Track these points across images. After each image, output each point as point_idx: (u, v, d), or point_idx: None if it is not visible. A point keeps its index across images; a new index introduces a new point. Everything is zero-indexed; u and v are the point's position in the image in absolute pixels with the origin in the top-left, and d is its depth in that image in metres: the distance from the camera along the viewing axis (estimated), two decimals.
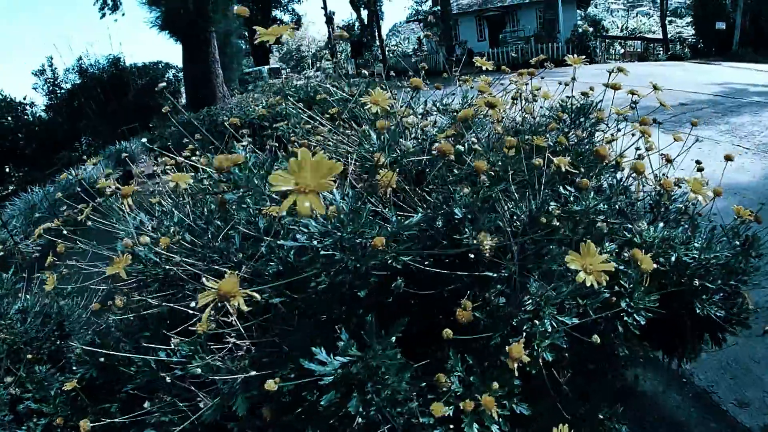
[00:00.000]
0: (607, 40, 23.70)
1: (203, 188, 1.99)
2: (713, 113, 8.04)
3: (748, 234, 2.32)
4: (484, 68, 2.45)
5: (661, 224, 2.27)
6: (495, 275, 1.65)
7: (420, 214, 1.60)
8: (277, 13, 49.36)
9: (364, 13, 46.12)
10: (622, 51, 24.64)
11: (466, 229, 1.65)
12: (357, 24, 50.48)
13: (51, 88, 13.15)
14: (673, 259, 2.12)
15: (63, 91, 13.13)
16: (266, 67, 33.04)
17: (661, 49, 23.92)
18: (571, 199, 1.98)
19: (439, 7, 31.42)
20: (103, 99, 11.68)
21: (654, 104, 8.17)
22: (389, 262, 1.44)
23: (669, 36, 25.39)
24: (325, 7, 60.70)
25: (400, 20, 56.54)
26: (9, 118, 11.76)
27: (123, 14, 15.87)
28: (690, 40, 24.14)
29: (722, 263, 2.17)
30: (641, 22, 44.69)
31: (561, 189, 2.03)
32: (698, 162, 2.80)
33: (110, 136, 9.31)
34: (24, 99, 12.82)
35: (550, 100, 3.48)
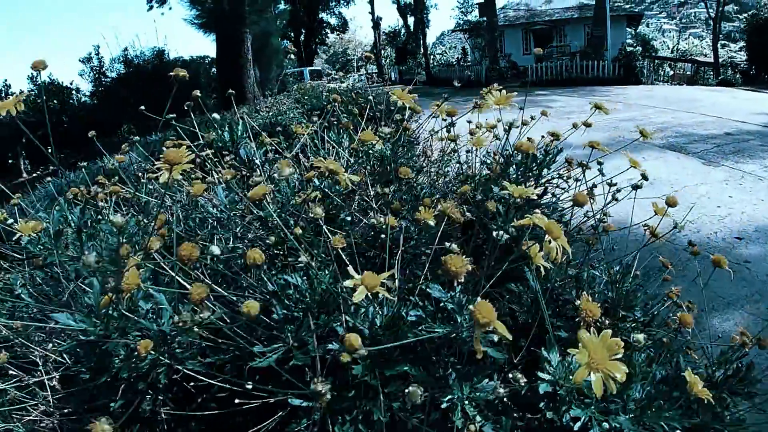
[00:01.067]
0: (656, 61, 23.46)
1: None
2: (760, 146, 8.07)
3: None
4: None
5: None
6: None
7: None
8: (323, 15, 49.99)
9: (411, 20, 46.43)
10: (672, 73, 24.35)
11: None
12: (403, 30, 50.93)
13: (96, 75, 13.85)
14: None
15: (107, 79, 13.79)
16: (308, 68, 33.67)
17: (711, 73, 23.56)
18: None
19: (485, 18, 31.57)
20: (146, 90, 12.18)
21: (698, 131, 8.17)
22: None
23: (720, 60, 24.95)
24: (372, 12, 61.24)
25: (448, 29, 56.60)
26: (55, 101, 12.38)
27: (170, 8, 16.47)
28: (742, 65, 23.71)
29: None
30: (693, 44, 43.95)
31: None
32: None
33: (149, 125, 9.75)
34: (71, 84, 13.35)
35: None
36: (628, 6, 40.71)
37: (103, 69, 14.06)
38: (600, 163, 2.60)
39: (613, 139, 8.52)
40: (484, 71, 27.38)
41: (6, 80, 12.97)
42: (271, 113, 5.68)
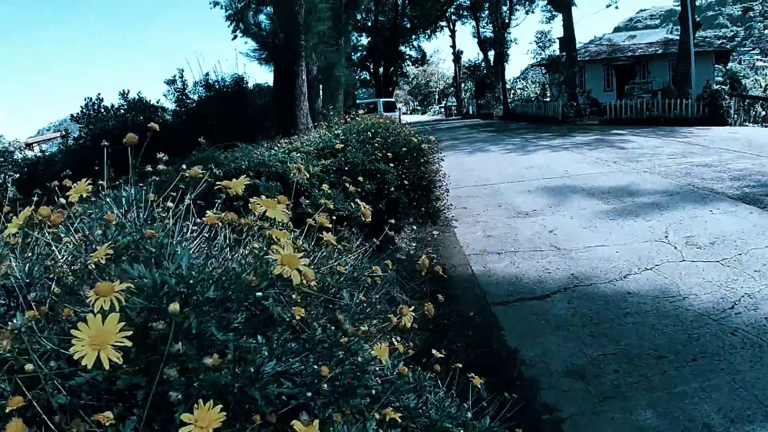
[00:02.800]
0: (746, 101, 22.19)
1: None
2: None
3: None
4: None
5: None
6: None
7: None
8: (403, 48, 50.85)
9: (491, 54, 46.40)
10: (763, 113, 22.98)
11: None
12: (483, 64, 51.04)
13: (179, 97, 14.40)
14: None
15: (189, 101, 14.38)
16: (382, 100, 34.20)
17: None
18: None
19: (564, 53, 31.12)
20: (225, 113, 12.90)
21: None
22: None
23: None
24: (453, 46, 62.00)
25: (530, 63, 56.20)
26: (141, 117, 12.85)
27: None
28: None
29: None
30: None
31: None
32: None
33: (225, 146, 10.45)
34: (157, 102, 14.46)
35: None
36: (718, 42, 39.00)
37: (186, 91, 14.73)
38: None
39: (681, 187, 8.13)
40: (561, 108, 26.87)
41: (99, 94, 13.85)
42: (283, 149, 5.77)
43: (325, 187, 5.12)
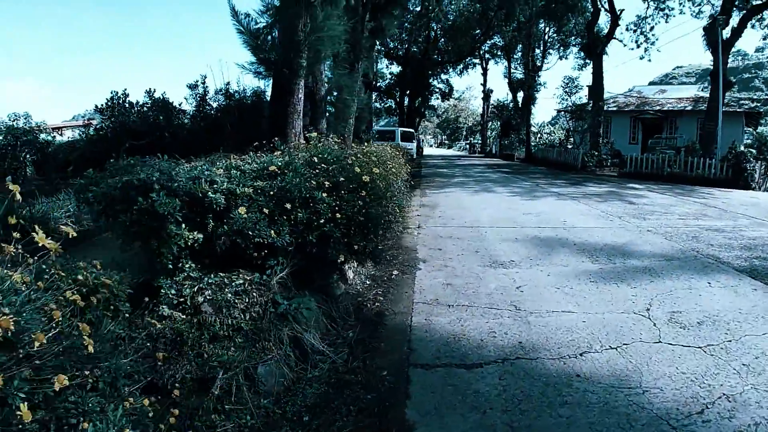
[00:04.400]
0: None
1: None
2: None
3: None
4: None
5: None
6: None
7: None
8: (432, 80, 50.71)
9: (520, 96, 45.93)
10: None
11: None
12: (511, 105, 50.59)
13: (199, 102, 14.34)
14: None
15: (209, 107, 14.39)
16: (400, 129, 33.73)
17: None
18: None
19: (591, 101, 30.46)
20: (242, 123, 12.96)
21: None
22: None
23: None
24: (484, 84, 61.98)
25: (556, 108, 55.72)
26: (161, 117, 12.82)
27: None
28: None
29: None
30: None
31: None
32: None
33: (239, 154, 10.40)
34: (180, 105, 14.24)
35: None
36: (751, 104, 38.05)
37: (207, 97, 14.66)
38: None
39: (683, 252, 7.31)
40: (581, 156, 26.12)
41: (126, 89, 13.55)
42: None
43: (241, 210, 4.51)
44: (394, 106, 49.45)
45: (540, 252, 7.19)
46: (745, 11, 25.04)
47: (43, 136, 15.30)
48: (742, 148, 25.16)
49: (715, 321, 4.61)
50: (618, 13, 29.84)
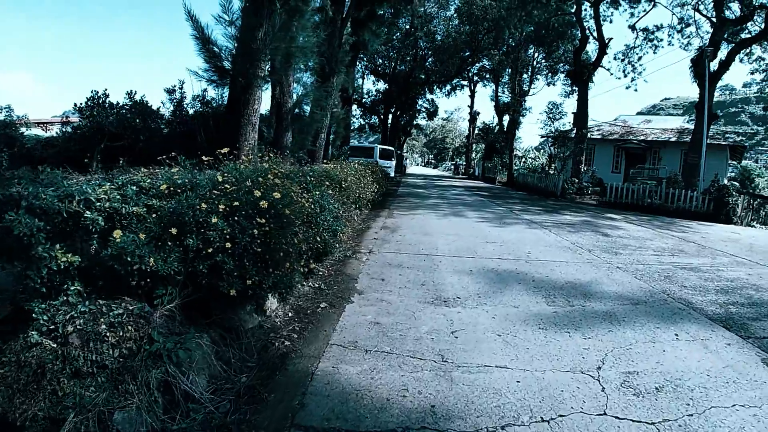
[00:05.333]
0: (756, 200, 20.78)
1: None
2: None
3: None
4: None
5: None
6: None
7: None
8: (419, 100, 50.44)
9: (506, 119, 45.60)
10: None
11: None
12: (497, 128, 50.28)
13: (176, 107, 14.02)
14: None
15: (184, 112, 14.07)
16: (380, 146, 33.02)
17: None
18: None
19: (575, 128, 30.02)
20: (218, 131, 12.60)
21: None
22: None
23: None
24: (471, 106, 61.88)
25: (539, 134, 55.62)
26: (137, 120, 12.43)
27: None
28: None
29: None
30: None
31: None
32: None
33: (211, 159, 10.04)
34: (158, 109, 13.78)
35: None
36: (739, 139, 37.92)
37: (184, 103, 14.30)
38: None
39: (652, 294, 6.57)
40: (561, 183, 25.56)
41: (106, 89, 13.34)
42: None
43: (116, 234, 3.79)
44: (378, 123, 48.89)
45: (492, 288, 6.41)
46: (733, 44, 24.81)
47: (23, 130, 14.78)
48: (726, 181, 24.80)
49: (677, 387, 3.84)
50: (606, 41, 29.61)
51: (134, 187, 4.43)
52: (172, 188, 4.38)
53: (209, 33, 10.32)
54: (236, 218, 4.05)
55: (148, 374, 3.64)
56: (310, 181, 6.29)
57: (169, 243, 4.02)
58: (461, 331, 4.77)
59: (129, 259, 3.84)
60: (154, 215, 4.14)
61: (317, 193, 6.04)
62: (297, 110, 13.94)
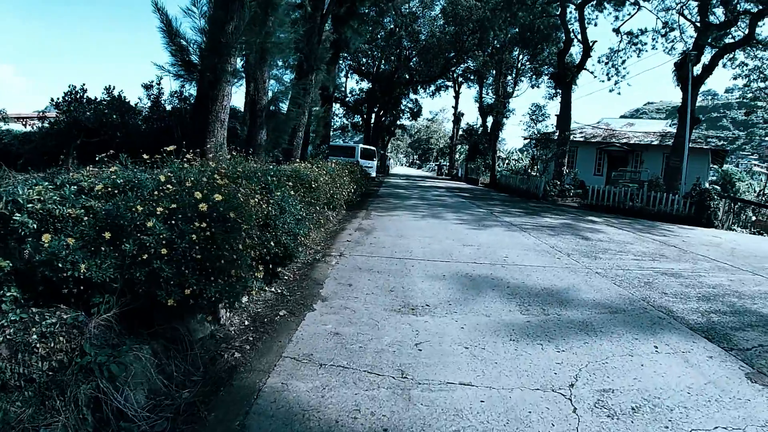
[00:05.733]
0: (737, 204, 20.74)
1: None
2: None
3: None
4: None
5: None
6: None
7: None
8: (403, 100, 50.20)
9: (490, 121, 45.47)
10: (754, 218, 21.54)
11: None
12: (480, 129, 50.12)
13: (153, 103, 14.01)
14: None
15: (161, 108, 14.05)
16: (361, 145, 32.62)
17: None
18: None
19: (557, 130, 29.88)
20: (194, 127, 12.35)
21: (762, 309, 5.70)
22: None
23: None
24: (455, 107, 61.78)
25: (522, 135, 55.61)
26: (114, 116, 12.34)
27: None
28: None
29: None
30: None
31: None
32: None
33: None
34: (136, 105, 13.72)
35: None
36: (721, 143, 38.11)
37: (161, 99, 14.30)
38: None
39: (632, 302, 6.29)
40: (543, 184, 25.38)
41: (84, 84, 13.06)
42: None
43: (45, 237, 3.42)
44: (361, 123, 48.50)
45: (464, 295, 6.08)
46: (717, 49, 24.79)
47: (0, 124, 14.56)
48: (707, 185, 24.78)
49: (655, 406, 3.54)
50: (590, 44, 29.49)
51: (74, 187, 4.06)
52: (110, 188, 4.00)
53: (177, 26, 9.94)
54: (174, 222, 3.68)
55: (77, 390, 3.32)
56: (272, 182, 5.91)
57: (104, 248, 3.66)
58: (426, 343, 4.43)
59: (60, 265, 3.54)
60: (90, 218, 3.78)
61: (278, 194, 5.66)
62: (273, 108, 13.54)
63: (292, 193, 5.84)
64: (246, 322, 4.95)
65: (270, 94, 13.39)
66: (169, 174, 4.11)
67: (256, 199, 5.06)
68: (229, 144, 12.28)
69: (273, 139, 13.16)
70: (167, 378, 3.82)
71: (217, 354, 4.23)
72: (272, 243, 5.08)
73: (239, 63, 13.23)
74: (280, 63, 14.76)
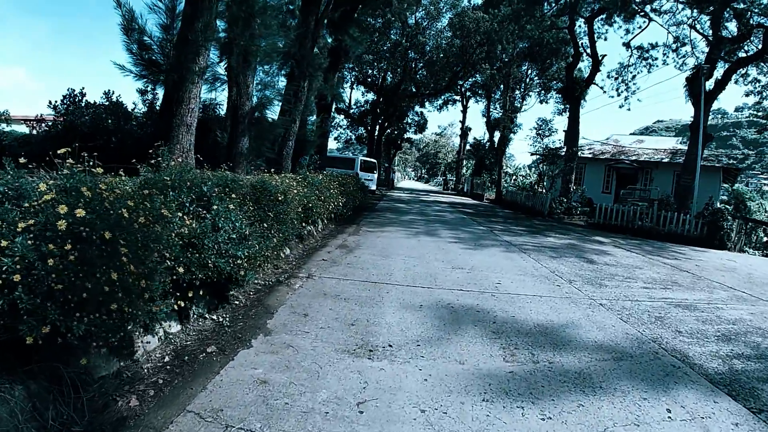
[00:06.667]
0: (749, 224, 19.66)
1: None
2: None
3: None
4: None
5: None
6: None
7: None
8: (412, 114, 49.56)
9: (497, 136, 44.57)
10: (765, 239, 20.49)
11: None
12: (488, 144, 49.21)
13: (148, 108, 13.65)
14: None
15: (155, 114, 13.26)
16: (361, 157, 31.70)
17: None
18: None
19: (565, 146, 28.91)
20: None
21: None
22: None
23: None
24: (463, 121, 60.91)
25: (529, 151, 54.72)
26: (109, 121, 12.15)
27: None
28: None
29: None
30: None
31: None
32: None
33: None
34: (133, 109, 13.51)
35: None
36: (730, 161, 37.03)
37: (155, 104, 13.73)
38: None
39: (641, 343, 5.29)
40: (549, 202, 24.36)
41: (83, 88, 12.96)
42: None
43: None
44: (365, 134, 47.70)
45: (439, 333, 5.09)
46: (730, 63, 23.85)
47: (2, 126, 14.77)
48: (718, 204, 23.71)
49: None
50: (600, 58, 28.63)
51: None
52: None
53: (143, 23, 9.13)
54: (34, 241, 2.76)
55: None
56: (214, 194, 4.98)
57: None
58: (372, 402, 3.44)
59: None
60: None
61: (216, 207, 4.73)
62: (258, 114, 12.69)
63: (231, 207, 4.89)
64: (167, 358, 4.02)
65: (255, 99, 12.54)
66: (50, 182, 3.18)
67: (179, 215, 4.15)
68: (212, 152, 11.51)
69: (256, 147, 12.28)
70: (42, 428, 2.93)
71: (112, 399, 3.31)
72: (195, 267, 4.14)
73: (222, 66, 12.48)
74: (267, 67, 13.93)
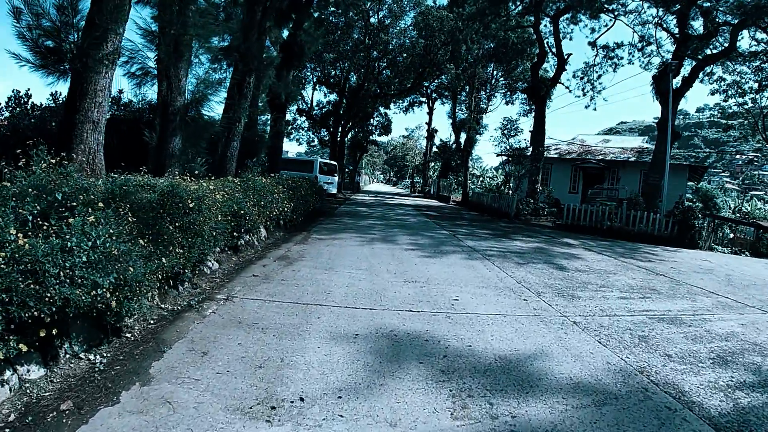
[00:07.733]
0: (715, 221, 19.14)
1: None
2: None
3: None
4: None
5: None
6: None
7: None
8: (376, 116, 48.61)
9: (463, 137, 43.83)
10: (732, 236, 20.01)
11: None
12: (454, 146, 48.46)
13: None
14: None
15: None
16: (321, 159, 30.42)
17: None
18: None
19: (531, 146, 28.16)
20: (127, 136, 12.14)
21: None
22: None
23: None
24: (429, 123, 60.21)
25: (494, 151, 54.35)
26: (54, 124, 11.90)
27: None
28: None
29: None
30: (756, 207, 39.48)
31: None
32: None
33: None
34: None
35: None
36: (692, 160, 37.01)
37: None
38: None
39: (627, 375, 4.26)
40: (515, 203, 23.51)
41: (29, 89, 12.77)
42: None
43: None
44: (328, 137, 46.43)
45: (371, 376, 3.94)
46: (696, 61, 23.45)
47: None
48: (687, 203, 23.24)
49: None
50: (565, 57, 27.98)
51: None
52: None
53: (47, 7, 7.82)
54: None
55: None
56: (73, 205, 3.77)
57: None
58: None
59: None
60: None
61: (72, 221, 3.53)
62: (193, 112, 11.41)
63: (92, 219, 3.69)
64: (12, 416, 2.90)
65: (188, 95, 11.25)
66: None
67: (12, 233, 2.97)
68: (144, 156, 10.28)
69: (189, 148, 11.02)
70: None
71: None
72: (33, 301, 2.97)
73: (151, 58, 11.18)
74: (205, 60, 12.65)
